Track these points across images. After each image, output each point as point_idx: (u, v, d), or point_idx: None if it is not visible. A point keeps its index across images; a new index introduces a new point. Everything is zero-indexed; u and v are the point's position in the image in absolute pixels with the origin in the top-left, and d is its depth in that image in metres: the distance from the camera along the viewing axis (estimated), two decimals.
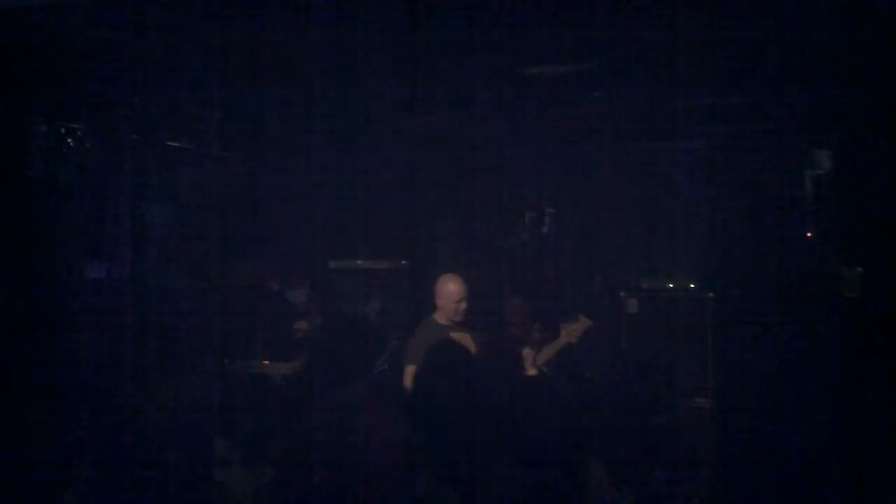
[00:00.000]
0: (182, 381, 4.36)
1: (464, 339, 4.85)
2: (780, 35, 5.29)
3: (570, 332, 5.38)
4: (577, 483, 3.17)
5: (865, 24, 5.04)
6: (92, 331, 5.23)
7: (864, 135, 5.87)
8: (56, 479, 3.50)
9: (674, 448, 4.58)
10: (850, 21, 5.04)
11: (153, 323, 5.14)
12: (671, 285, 6.97)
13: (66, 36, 5.23)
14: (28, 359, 4.83)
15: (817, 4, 4.86)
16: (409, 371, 4.85)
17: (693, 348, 6.31)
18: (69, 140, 6.68)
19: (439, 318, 5.24)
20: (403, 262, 7.67)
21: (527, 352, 5.36)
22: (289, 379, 5.02)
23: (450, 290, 5.19)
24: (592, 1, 4.91)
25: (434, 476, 3.16)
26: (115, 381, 4.39)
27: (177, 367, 4.51)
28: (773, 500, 4.46)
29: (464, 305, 5.16)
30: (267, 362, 5.73)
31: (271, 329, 6.26)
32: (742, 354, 5.89)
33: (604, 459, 3.63)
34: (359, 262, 7.69)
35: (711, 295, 6.63)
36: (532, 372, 4.91)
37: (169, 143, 7.47)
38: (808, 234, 6.63)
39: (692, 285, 6.86)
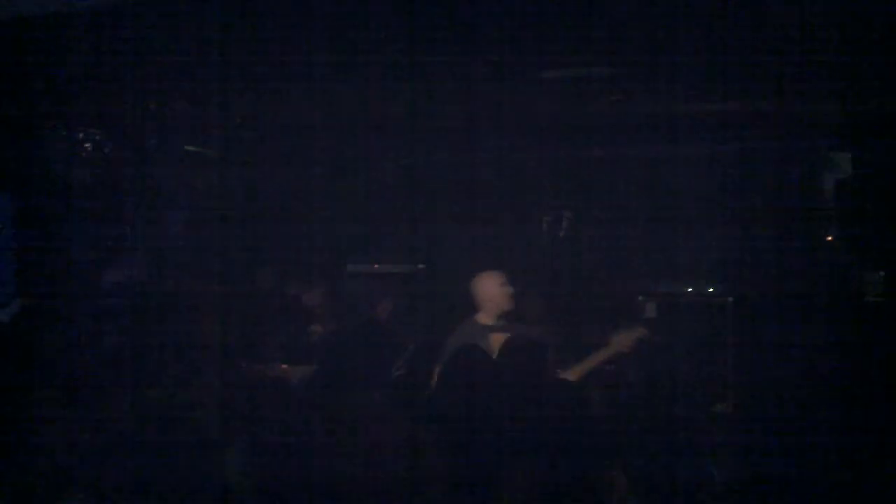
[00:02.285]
0: (199, 384, 4.36)
1: (500, 339, 4.73)
2: (802, 39, 5.26)
3: (622, 341, 4.86)
4: (595, 490, 3.14)
5: (889, 27, 5.00)
6: (109, 335, 5.25)
7: (886, 138, 5.82)
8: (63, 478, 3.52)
9: (693, 453, 4.53)
10: (873, 25, 5.00)
11: (169, 326, 5.14)
12: (690, 289, 6.91)
13: (80, 42, 5.26)
14: (47, 361, 4.85)
15: (840, 9, 4.83)
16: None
17: (712, 353, 6.25)
18: (87, 145, 6.73)
19: (483, 318, 5.12)
20: (420, 265, 7.65)
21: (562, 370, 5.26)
22: (305, 383, 5.01)
23: (495, 286, 5.09)
24: (614, 4, 4.90)
25: (449, 479, 3.15)
26: (132, 384, 4.40)
27: (194, 370, 4.51)
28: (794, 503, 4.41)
29: (511, 303, 5.05)
30: (285, 366, 5.73)
31: (288, 333, 6.26)
32: (762, 359, 5.84)
33: (624, 466, 3.59)
34: (376, 265, 7.68)
35: (731, 299, 6.57)
36: (569, 377, 4.78)
37: (185, 147, 7.49)
38: (829, 238, 6.57)
39: (711, 289, 6.80)
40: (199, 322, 5.28)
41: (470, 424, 3.23)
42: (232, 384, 4.39)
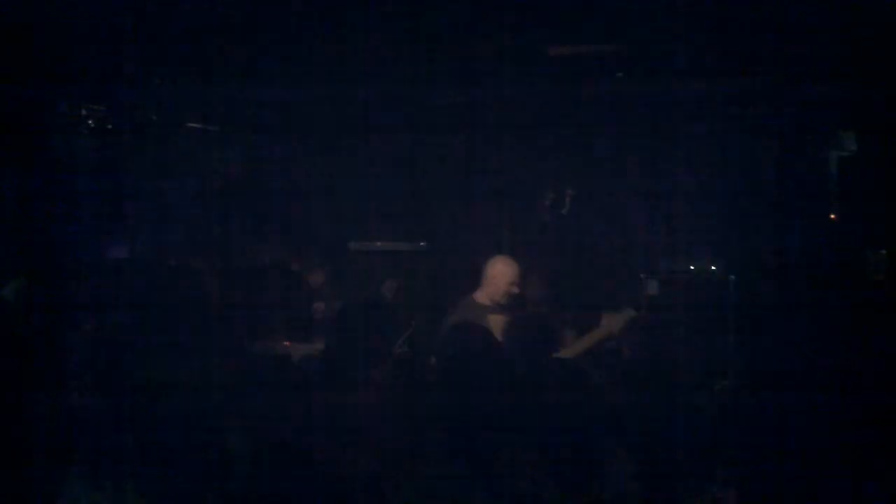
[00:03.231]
0: (203, 360, 4.38)
1: (499, 321, 4.80)
2: (805, 17, 5.24)
3: (613, 322, 5.13)
4: (597, 467, 3.16)
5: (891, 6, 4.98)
6: (113, 311, 5.26)
7: (889, 116, 5.81)
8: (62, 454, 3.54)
9: (695, 433, 4.56)
10: (877, 3, 4.98)
11: (173, 303, 5.16)
12: (692, 267, 6.91)
13: (83, 16, 5.25)
14: (49, 339, 4.87)
15: None
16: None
17: (714, 331, 6.26)
18: (90, 121, 6.72)
19: (480, 297, 5.18)
20: (423, 243, 7.65)
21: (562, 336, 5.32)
22: (308, 360, 5.03)
23: (503, 271, 5.15)
24: None
25: (451, 456, 3.16)
26: (136, 360, 4.42)
27: (198, 346, 4.52)
28: (796, 485, 4.43)
29: (515, 289, 5.11)
30: (288, 343, 5.75)
31: (291, 310, 6.27)
32: (764, 338, 5.85)
33: (626, 444, 3.61)
34: (378, 243, 7.68)
35: (733, 277, 6.58)
36: (566, 355, 4.85)
37: (190, 124, 7.50)
38: (832, 217, 6.58)
39: (713, 267, 6.80)
40: (202, 298, 5.29)
41: (471, 402, 3.24)
42: (235, 360, 4.41)
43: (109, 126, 7.05)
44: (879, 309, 5.48)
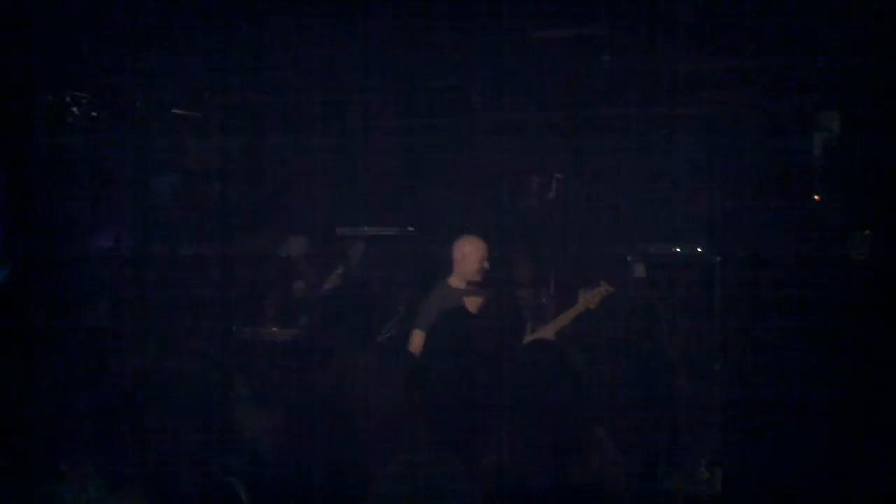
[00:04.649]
0: (190, 350, 4.39)
1: (476, 303, 4.85)
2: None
3: (589, 298, 5.27)
4: (579, 448, 3.17)
5: None
6: (99, 299, 5.26)
7: (873, 97, 5.83)
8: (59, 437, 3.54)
9: (678, 414, 4.59)
10: None
11: (160, 291, 5.16)
12: (679, 249, 6.94)
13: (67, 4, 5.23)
14: (38, 327, 4.87)
15: None
16: (418, 335, 4.86)
17: (700, 313, 6.29)
18: (74, 109, 6.69)
19: (454, 281, 5.19)
20: (410, 228, 7.65)
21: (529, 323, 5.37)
22: (294, 345, 5.04)
23: (470, 250, 5.15)
24: None
25: (437, 442, 3.18)
26: (123, 349, 4.42)
27: (184, 335, 4.53)
28: (779, 469, 4.47)
29: (486, 265, 5.12)
30: (275, 329, 5.76)
31: (280, 296, 6.28)
32: (749, 318, 5.89)
33: (609, 425, 3.63)
34: (366, 228, 7.68)
35: (719, 259, 6.61)
36: (546, 336, 4.91)
37: (174, 110, 7.47)
38: (816, 198, 6.60)
39: (700, 249, 6.83)
40: (188, 285, 5.30)
41: (459, 385, 3.26)
42: (223, 347, 4.43)
43: (94, 114, 7.02)
44: (863, 288, 5.52)
